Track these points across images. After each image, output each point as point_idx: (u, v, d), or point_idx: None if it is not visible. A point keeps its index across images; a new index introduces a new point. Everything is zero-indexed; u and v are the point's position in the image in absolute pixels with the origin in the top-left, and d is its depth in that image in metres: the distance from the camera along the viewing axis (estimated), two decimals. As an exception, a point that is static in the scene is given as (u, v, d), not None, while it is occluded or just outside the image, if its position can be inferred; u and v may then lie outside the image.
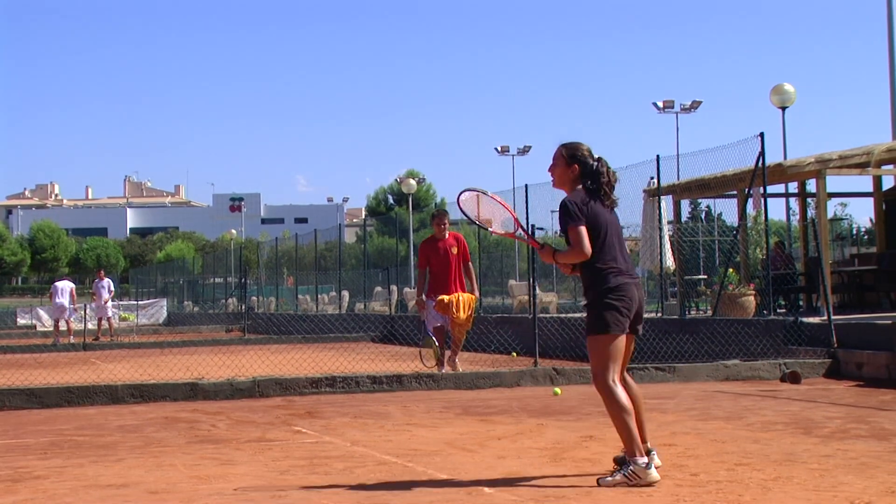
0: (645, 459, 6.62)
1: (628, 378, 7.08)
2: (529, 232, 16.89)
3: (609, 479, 6.62)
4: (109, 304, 34.05)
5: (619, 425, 6.71)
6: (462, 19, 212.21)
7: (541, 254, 7.11)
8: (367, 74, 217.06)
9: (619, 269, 6.89)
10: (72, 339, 30.64)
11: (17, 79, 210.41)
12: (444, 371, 14.43)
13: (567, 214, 6.86)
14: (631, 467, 6.58)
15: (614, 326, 6.83)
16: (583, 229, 6.82)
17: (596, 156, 7.07)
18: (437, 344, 14.89)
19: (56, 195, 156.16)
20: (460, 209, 7.57)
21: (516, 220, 7.61)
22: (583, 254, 6.83)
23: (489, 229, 7.92)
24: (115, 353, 24.57)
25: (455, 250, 14.92)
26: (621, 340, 6.88)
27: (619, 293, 6.85)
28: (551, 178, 7.19)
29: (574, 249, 6.83)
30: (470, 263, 15.28)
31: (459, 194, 7.57)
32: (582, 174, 6.99)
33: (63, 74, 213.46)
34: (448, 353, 14.96)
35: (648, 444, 6.88)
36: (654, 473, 6.60)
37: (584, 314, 6.97)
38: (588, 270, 6.93)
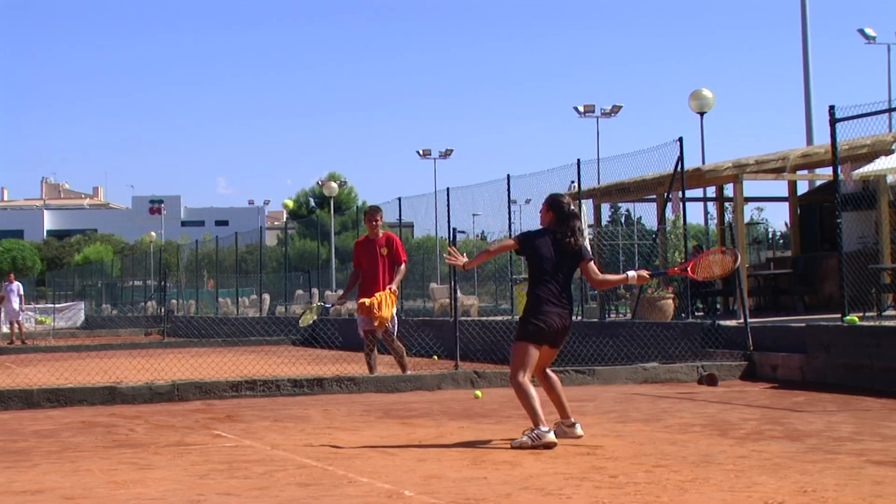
0: (545, 427, 8.35)
1: (549, 371, 8.96)
2: (452, 237, 17.00)
3: (519, 439, 8.39)
4: (19, 307, 33.50)
5: (525, 406, 8.54)
6: (382, 21, 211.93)
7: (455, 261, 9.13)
8: (287, 76, 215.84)
9: (542, 297, 8.63)
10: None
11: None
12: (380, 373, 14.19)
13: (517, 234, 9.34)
14: (535, 432, 8.30)
15: (532, 338, 8.64)
16: (509, 242, 9.34)
17: (571, 208, 8.84)
18: (369, 346, 14.47)
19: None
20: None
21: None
22: (489, 248, 9.73)
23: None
24: (31, 357, 24.17)
25: (385, 251, 14.24)
26: (534, 350, 8.66)
27: (541, 316, 8.60)
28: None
29: (493, 245, 9.35)
30: (402, 266, 14.44)
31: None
32: (557, 220, 8.75)
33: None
34: (389, 357, 14.63)
35: (572, 419, 8.79)
36: (551, 436, 8.33)
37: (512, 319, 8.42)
38: (528, 291, 8.79)
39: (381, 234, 14.49)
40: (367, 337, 14.33)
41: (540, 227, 8.95)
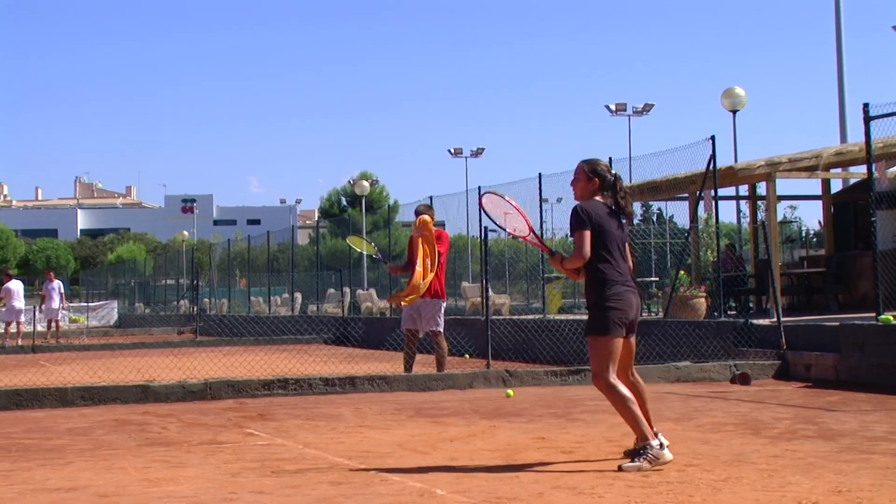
0: (658, 441, 7.16)
1: (636, 375, 7.67)
2: (483, 236, 16.98)
3: (631, 464, 7.12)
4: (60, 305, 33.70)
5: (626, 415, 7.27)
6: (416, 20, 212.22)
7: (551, 260, 7.71)
8: (320, 76, 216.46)
9: (617, 276, 7.41)
10: (20, 342, 30.30)
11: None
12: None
13: (575, 219, 7.41)
14: (651, 451, 7.10)
15: (613, 328, 7.35)
16: (587, 234, 7.37)
17: (613, 171, 7.66)
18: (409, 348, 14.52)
19: (5, 196, 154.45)
20: (483, 211, 8.13)
21: (529, 225, 8.02)
22: (582, 257, 7.38)
23: (507, 231, 8.27)
24: (65, 356, 24.34)
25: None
26: (619, 342, 7.38)
27: (617, 299, 7.38)
28: (574, 193, 7.72)
29: (575, 253, 7.37)
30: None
31: (481, 196, 8.17)
32: (601, 187, 7.54)
33: (12, 75, 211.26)
34: (422, 356, 14.66)
35: (654, 429, 7.38)
36: (667, 453, 7.17)
37: (587, 315, 7.58)
38: (590, 275, 7.46)
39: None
40: (409, 335, 14.44)
41: (576, 199, 7.65)
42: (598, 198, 7.54)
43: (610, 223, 7.45)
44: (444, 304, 14.61)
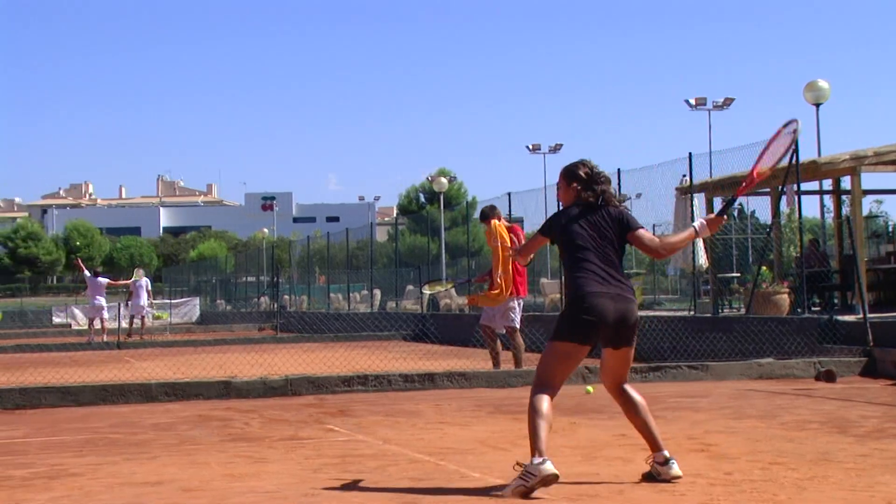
0: (540, 458, 6.33)
1: (629, 389, 6.99)
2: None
3: (507, 487, 6.38)
4: (147, 302, 34.14)
5: (529, 425, 6.63)
6: (494, 16, 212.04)
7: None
8: (398, 73, 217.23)
9: (584, 282, 6.71)
10: (105, 338, 30.77)
11: (50, 79, 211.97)
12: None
13: (544, 222, 7.19)
14: (526, 467, 6.32)
15: (565, 335, 6.77)
16: (536, 238, 7.30)
17: (591, 166, 7.06)
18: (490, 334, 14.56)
19: (90, 195, 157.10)
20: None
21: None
22: (515, 250, 7.92)
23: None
24: (149, 352, 24.70)
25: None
26: (573, 349, 6.80)
27: (579, 305, 6.70)
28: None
29: (518, 245, 7.35)
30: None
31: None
32: (584, 188, 6.95)
33: (96, 74, 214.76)
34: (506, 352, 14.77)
35: (666, 453, 6.71)
36: (548, 466, 6.29)
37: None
38: (565, 277, 7.03)
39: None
40: (486, 332, 14.54)
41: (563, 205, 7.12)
42: (582, 199, 6.93)
43: (581, 225, 6.81)
44: (521, 301, 14.57)
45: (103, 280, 32.52)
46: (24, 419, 11.31)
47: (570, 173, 7.07)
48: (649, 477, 6.71)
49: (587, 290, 6.67)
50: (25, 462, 8.10)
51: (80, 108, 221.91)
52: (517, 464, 6.44)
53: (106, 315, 32.45)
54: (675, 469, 6.67)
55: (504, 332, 14.53)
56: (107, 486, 6.96)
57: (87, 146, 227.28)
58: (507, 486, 6.39)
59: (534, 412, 6.61)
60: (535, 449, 6.41)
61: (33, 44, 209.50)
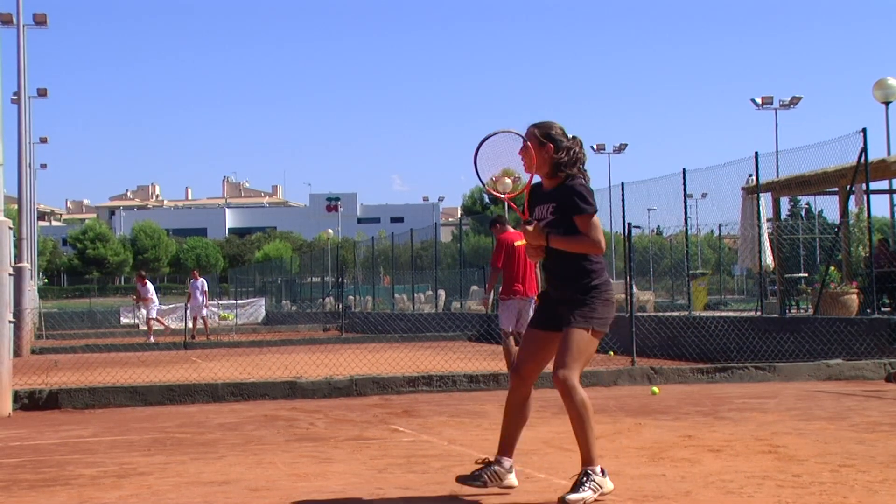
0: (600, 467, 6.16)
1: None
2: (627, 232, 16.82)
3: (574, 494, 6.05)
4: (203, 302, 34.47)
5: (587, 429, 6.20)
6: (559, 17, 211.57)
7: (526, 231, 6.34)
8: (462, 74, 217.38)
9: (604, 265, 6.40)
10: (151, 339, 31.12)
11: (118, 82, 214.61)
12: None
13: (583, 200, 6.22)
14: (595, 477, 6.12)
15: (605, 325, 6.31)
16: (598, 219, 6.25)
17: (570, 135, 6.39)
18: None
19: (157, 196, 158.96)
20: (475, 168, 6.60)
21: (529, 186, 6.62)
22: (600, 246, 6.23)
23: (491, 191, 7.68)
24: (215, 352, 24.90)
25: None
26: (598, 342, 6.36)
27: (610, 288, 6.36)
28: (522, 163, 6.43)
29: (589, 240, 6.17)
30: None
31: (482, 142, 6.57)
32: (556, 153, 6.29)
33: (163, 76, 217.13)
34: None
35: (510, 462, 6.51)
36: (608, 481, 6.17)
37: (572, 306, 6.26)
38: (581, 265, 6.27)
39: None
40: (510, 336, 14.32)
41: (526, 171, 6.42)
42: (577, 173, 6.31)
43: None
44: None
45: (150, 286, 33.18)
46: (93, 418, 11.46)
47: (547, 134, 6.36)
48: (576, 482, 6.15)
49: (608, 277, 6.40)
50: (94, 461, 8.20)
51: (147, 111, 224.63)
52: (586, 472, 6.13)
53: (153, 315, 33.01)
54: (513, 477, 6.48)
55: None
56: (174, 485, 7.03)
57: (155, 148, 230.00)
58: (570, 495, 6.03)
59: (589, 412, 6.24)
60: (596, 456, 6.19)
61: (101, 47, 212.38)
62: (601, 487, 6.11)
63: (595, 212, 6.25)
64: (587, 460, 6.15)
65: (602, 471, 6.18)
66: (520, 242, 14.45)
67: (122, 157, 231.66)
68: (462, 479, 6.46)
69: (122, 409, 12.28)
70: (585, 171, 6.42)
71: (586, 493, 6.03)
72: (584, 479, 6.10)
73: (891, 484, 6.49)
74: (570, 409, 6.24)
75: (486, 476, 6.40)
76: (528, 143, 6.34)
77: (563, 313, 6.29)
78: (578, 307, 6.23)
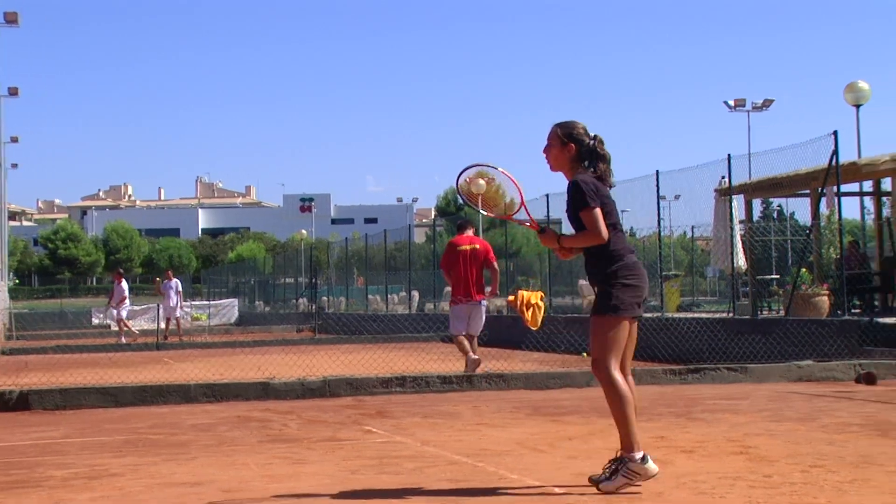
0: (641, 453, 6.32)
1: (630, 375, 6.70)
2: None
3: (608, 482, 6.33)
4: (177, 304, 34.38)
5: (620, 417, 6.36)
6: (533, 18, 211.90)
7: (542, 238, 6.69)
8: (437, 74, 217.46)
9: (629, 249, 6.56)
10: (123, 340, 31.02)
11: (91, 81, 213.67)
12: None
13: (579, 196, 6.44)
14: (631, 465, 6.30)
15: (625, 308, 6.41)
16: (598, 212, 6.40)
17: (592, 133, 6.66)
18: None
19: (129, 196, 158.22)
20: (458, 193, 7.28)
21: (522, 200, 6.97)
22: (600, 237, 6.41)
23: (482, 211, 8.09)
24: (188, 353, 24.82)
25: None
26: (627, 325, 6.47)
27: (634, 271, 6.48)
28: (547, 161, 6.74)
29: (589, 233, 6.41)
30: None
31: (459, 175, 7.10)
32: (579, 154, 6.58)
33: (136, 76, 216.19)
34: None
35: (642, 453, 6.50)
36: (652, 466, 6.34)
37: (595, 300, 6.58)
38: (599, 254, 6.49)
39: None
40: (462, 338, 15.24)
41: (551, 170, 6.70)
42: (588, 169, 6.56)
43: (608, 192, 6.56)
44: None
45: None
46: (64, 419, 11.40)
47: (570, 134, 6.63)
48: (612, 468, 6.43)
49: (634, 260, 6.54)
50: (65, 462, 8.17)
51: (120, 111, 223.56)
52: (613, 459, 6.38)
53: (124, 315, 32.98)
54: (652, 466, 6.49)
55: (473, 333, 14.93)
56: (146, 486, 7.01)
57: (127, 148, 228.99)
58: (606, 479, 6.33)
59: (622, 399, 6.36)
60: (633, 442, 6.35)
61: (73, 48, 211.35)
62: (639, 474, 6.30)
63: (593, 206, 6.41)
64: (625, 447, 6.37)
65: (644, 457, 6.33)
66: (465, 247, 14.85)
67: (94, 157, 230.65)
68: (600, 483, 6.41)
69: (94, 410, 12.22)
70: (609, 168, 6.66)
71: (618, 481, 6.31)
72: (619, 466, 6.34)
73: (860, 484, 6.53)
74: (605, 395, 6.48)
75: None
76: (551, 142, 6.65)
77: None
78: (600, 296, 6.50)
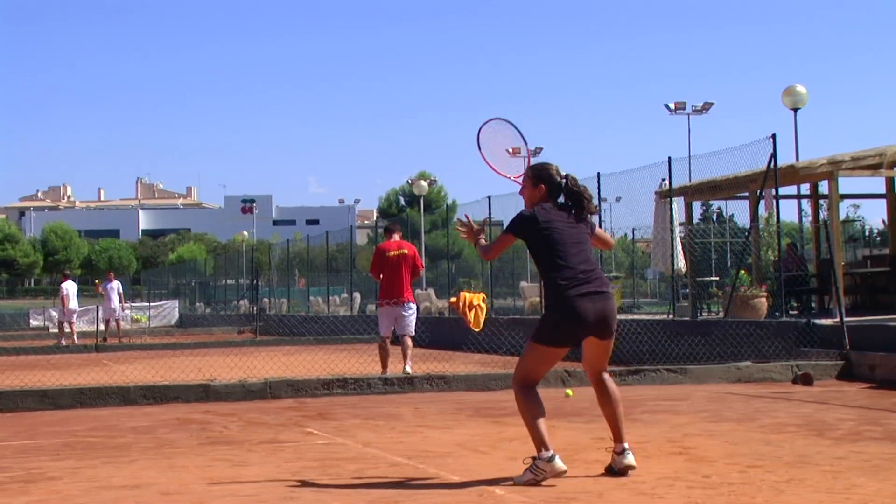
0: (549, 453, 6.73)
1: (607, 378, 7.23)
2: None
3: (520, 477, 6.80)
4: (118, 305, 34.06)
5: (527, 424, 6.95)
6: (474, 21, 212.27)
7: (468, 230, 7.41)
8: (378, 76, 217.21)
9: (566, 281, 6.87)
10: (75, 341, 30.70)
11: (29, 81, 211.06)
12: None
13: (510, 222, 7.09)
14: (537, 462, 6.74)
15: (544, 340, 6.97)
16: (503, 238, 7.13)
17: (563, 173, 7.19)
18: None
19: (68, 197, 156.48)
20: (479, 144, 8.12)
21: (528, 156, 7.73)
22: (486, 253, 7.28)
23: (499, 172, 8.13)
24: (127, 355, 24.60)
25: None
26: (549, 352, 7.03)
27: (562, 308, 6.88)
28: (523, 200, 7.30)
29: (485, 247, 7.26)
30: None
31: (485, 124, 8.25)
32: (549, 192, 7.12)
33: (75, 76, 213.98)
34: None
35: (624, 444, 7.02)
36: (559, 464, 6.72)
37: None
38: (544, 281, 7.07)
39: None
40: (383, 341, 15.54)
41: (526, 205, 7.18)
42: (548, 204, 7.08)
43: (560, 224, 6.96)
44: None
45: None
46: (0, 423, 11.25)
47: (539, 175, 7.19)
48: (611, 470, 7.01)
49: (569, 294, 6.85)
50: (1, 466, 8.06)
51: (58, 110, 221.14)
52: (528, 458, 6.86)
53: (74, 318, 32.58)
54: (629, 459, 6.96)
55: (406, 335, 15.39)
56: (84, 490, 6.94)
57: (66, 148, 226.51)
58: (517, 477, 6.81)
59: (529, 408, 6.93)
60: (540, 444, 6.78)
61: (10, 46, 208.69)
62: (545, 471, 6.72)
63: (505, 232, 7.11)
64: (535, 447, 6.82)
65: (551, 456, 6.74)
66: (393, 252, 14.96)
67: (32, 158, 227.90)
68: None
69: (31, 413, 12.07)
70: (584, 202, 7.12)
71: (525, 476, 6.75)
72: (531, 463, 6.77)
73: (796, 484, 6.61)
74: (516, 405, 7.09)
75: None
76: (524, 183, 7.25)
77: None
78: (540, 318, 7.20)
